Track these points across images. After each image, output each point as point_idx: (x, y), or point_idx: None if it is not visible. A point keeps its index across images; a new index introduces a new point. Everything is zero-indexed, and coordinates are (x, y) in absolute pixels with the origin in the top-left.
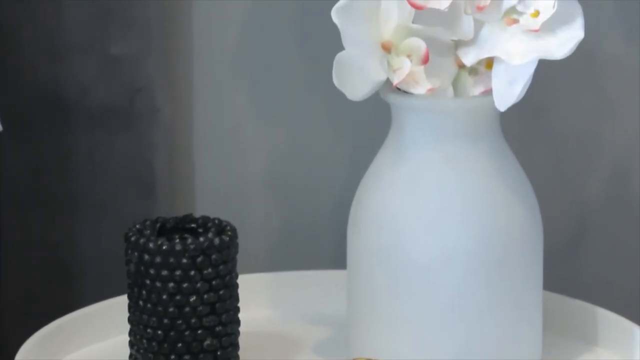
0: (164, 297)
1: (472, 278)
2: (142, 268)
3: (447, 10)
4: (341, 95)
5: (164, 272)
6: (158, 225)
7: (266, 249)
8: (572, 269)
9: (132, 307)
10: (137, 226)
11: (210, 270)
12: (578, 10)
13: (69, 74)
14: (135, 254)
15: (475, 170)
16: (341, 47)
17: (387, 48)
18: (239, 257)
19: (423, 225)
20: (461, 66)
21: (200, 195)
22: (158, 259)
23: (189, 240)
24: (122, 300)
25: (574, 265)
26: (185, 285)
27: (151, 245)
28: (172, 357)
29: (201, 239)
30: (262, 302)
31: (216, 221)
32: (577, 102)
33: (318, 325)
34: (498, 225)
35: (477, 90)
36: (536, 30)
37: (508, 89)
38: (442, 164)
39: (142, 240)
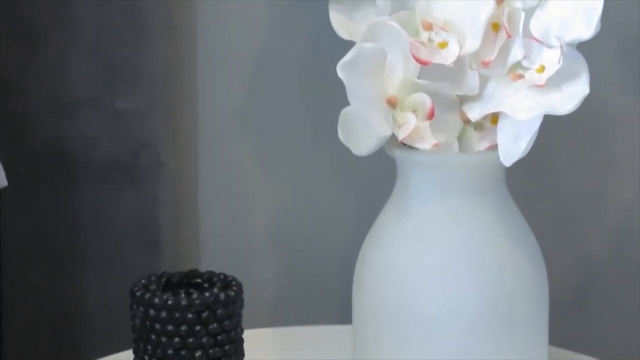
0: (170, 352)
1: (478, 333)
2: (148, 323)
3: (452, 65)
4: (346, 151)
5: (170, 327)
6: (163, 280)
7: (271, 303)
8: (578, 324)
9: None
10: (143, 281)
11: (215, 325)
12: (583, 65)
13: (74, 128)
14: (141, 308)
15: (480, 225)
16: (346, 103)
17: (392, 103)
18: (244, 311)
19: (428, 281)
20: (466, 121)
21: (205, 250)
22: (163, 314)
23: (195, 295)
24: (128, 355)
25: (580, 320)
26: (190, 340)
27: (157, 300)
28: None
29: (207, 294)
30: (268, 357)
31: (221, 276)
32: (582, 157)
33: None
34: (503, 280)
35: (483, 145)
36: (541, 86)
37: (513, 144)
38: (447, 219)
39: (147, 295)
